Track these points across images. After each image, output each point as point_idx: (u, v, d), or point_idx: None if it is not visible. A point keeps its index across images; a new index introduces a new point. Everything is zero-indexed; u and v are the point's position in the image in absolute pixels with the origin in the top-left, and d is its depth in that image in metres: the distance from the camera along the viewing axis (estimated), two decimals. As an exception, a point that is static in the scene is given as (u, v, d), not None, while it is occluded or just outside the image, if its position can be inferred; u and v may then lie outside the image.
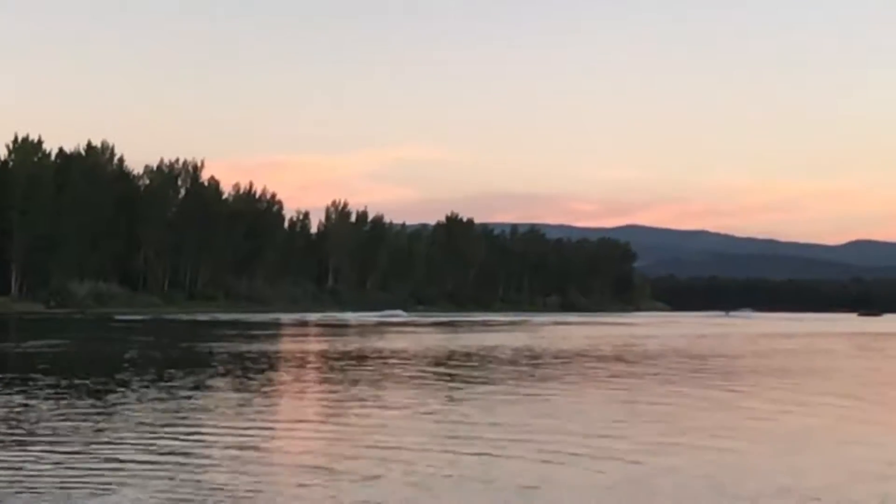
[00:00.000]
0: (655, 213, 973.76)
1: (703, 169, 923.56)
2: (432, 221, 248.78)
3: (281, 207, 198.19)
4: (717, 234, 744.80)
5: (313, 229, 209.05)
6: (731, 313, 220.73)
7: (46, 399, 24.47)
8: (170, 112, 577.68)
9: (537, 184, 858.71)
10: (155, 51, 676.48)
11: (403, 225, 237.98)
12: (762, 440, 19.24)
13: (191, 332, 71.88)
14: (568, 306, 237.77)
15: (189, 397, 25.55)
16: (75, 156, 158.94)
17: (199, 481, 14.01)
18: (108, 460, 15.74)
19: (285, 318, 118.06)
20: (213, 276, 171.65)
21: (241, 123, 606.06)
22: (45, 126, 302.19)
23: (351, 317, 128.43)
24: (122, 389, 27.35)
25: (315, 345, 56.94)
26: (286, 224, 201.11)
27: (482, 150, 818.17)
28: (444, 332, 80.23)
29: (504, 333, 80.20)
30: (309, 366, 40.17)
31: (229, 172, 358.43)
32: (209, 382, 30.24)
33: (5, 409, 22.25)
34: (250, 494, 13.25)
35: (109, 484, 13.68)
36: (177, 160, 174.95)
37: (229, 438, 18.37)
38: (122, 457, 16.06)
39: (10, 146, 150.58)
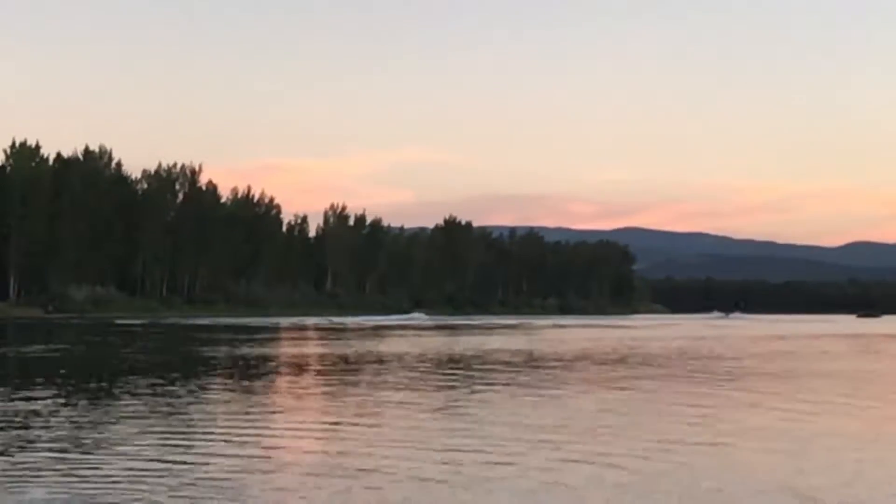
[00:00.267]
0: (653, 216, 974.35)
1: (701, 171, 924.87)
2: (430, 224, 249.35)
3: (279, 211, 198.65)
4: (715, 236, 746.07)
5: (311, 233, 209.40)
6: (731, 315, 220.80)
7: (49, 403, 24.41)
8: (168, 116, 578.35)
9: (535, 186, 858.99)
10: (153, 55, 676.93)
11: (402, 228, 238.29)
12: (767, 441, 19.20)
13: (203, 337, 71.74)
14: (566, 309, 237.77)
15: (197, 401, 25.51)
16: (73, 160, 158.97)
17: (200, 483, 13.96)
18: (112, 464, 15.68)
19: (302, 321, 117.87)
20: (211, 281, 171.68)
21: (239, 127, 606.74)
22: (43, 131, 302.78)
23: (370, 320, 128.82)
24: (125, 394, 27.30)
25: (336, 349, 56.83)
26: (284, 228, 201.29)
27: (480, 152, 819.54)
28: (469, 335, 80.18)
29: (509, 336, 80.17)
30: (320, 369, 40.11)
31: (227, 176, 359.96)
32: (227, 385, 30.18)
33: (10, 414, 22.19)
34: (253, 496, 13.20)
35: (115, 485, 13.63)
36: (175, 164, 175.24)
37: (235, 440, 18.33)
38: (125, 459, 16.01)
39: (8, 151, 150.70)
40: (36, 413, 22.52)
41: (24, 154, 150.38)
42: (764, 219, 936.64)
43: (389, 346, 60.73)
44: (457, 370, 39.18)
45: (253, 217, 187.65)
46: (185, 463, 15.88)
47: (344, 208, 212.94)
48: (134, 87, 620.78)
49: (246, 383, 31.79)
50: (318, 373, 38.05)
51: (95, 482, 14.05)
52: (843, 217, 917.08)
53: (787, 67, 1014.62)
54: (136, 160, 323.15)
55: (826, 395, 29.78)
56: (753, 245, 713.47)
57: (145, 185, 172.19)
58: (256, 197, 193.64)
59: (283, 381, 34.24)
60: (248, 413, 23.21)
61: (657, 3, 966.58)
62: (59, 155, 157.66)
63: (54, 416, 21.90)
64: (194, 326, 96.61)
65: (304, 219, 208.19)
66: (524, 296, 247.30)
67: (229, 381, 32.45)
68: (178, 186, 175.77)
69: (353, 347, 56.75)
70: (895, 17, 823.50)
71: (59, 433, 19.28)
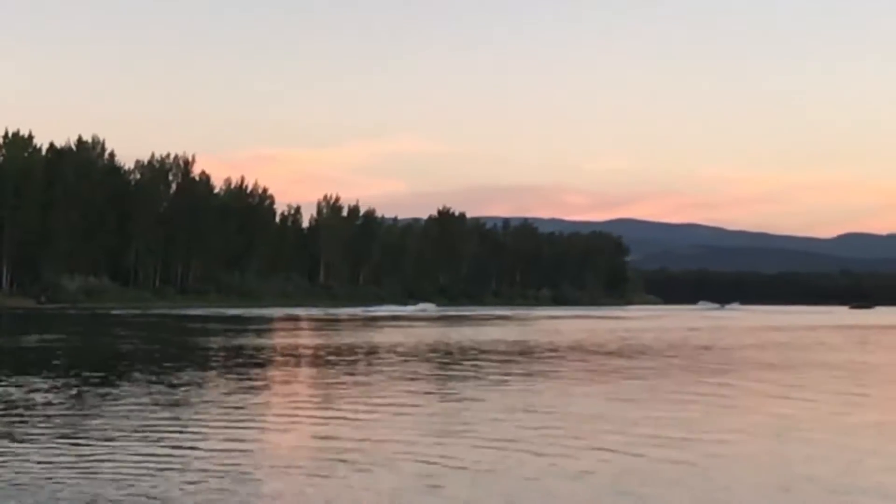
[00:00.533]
0: (647, 207, 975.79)
1: (695, 162, 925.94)
2: (424, 215, 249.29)
3: (272, 202, 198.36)
4: (709, 227, 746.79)
5: (305, 224, 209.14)
6: (727, 306, 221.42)
7: (47, 393, 24.27)
8: (161, 107, 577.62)
9: (529, 177, 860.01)
10: (145, 46, 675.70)
11: (395, 219, 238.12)
12: (763, 432, 19.12)
13: (196, 328, 71.60)
14: (560, 300, 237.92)
15: (197, 392, 25.35)
16: (66, 151, 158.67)
17: (202, 476, 13.84)
18: (113, 455, 15.55)
19: (300, 312, 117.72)
20: (204, 271, 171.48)
21: (232, 118, 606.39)
22: (36, 121, 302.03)
23: (380, 311, 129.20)
24: (123, 384, 27.15)
25: (349, 339, 56.71)
26: (277, 219, 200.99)
27: (474, 143, 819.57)
28: (479, 326, 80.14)
29: (524, 326, 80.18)
30: (336, 360, 39.99)
31: (220, 167, 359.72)
32: (227, 377, 30.04)
33: (8, 404, 22.04)
34: (253, 489, 13.08)
35: (119, 477, 13.50)
36: (168, 155, 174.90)
37: (232, 433, 18.21)
38: (127, 451, 15.89)
39: (1, 141, 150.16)
40: (33, 403, 22.38)
41: (18, 144, 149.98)
42: (757, 210, 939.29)
43: (402, 336, 60.58)
44: (477, 360, 39.16)
45: (246, 208, 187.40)
46: (183, 455, 15.76)
47: (337, 199, 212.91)
48: (127, 79, 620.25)
49: (247, 373, 31.62)
50: (330, 363, 37.89)
51: (95, 471, 13.92)
52: (836, 208, 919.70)
53: (781, 59, 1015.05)
54: (129, 151, 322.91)
55: (825, 386, 29.74)
56: (747, 236, 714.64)
57: (138, 176, 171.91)
58: (250, 188, 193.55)
59: (285, 372, 34.09)
60: (249, 403, 23.09)
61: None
62: (52, 145, 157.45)
63: (51, 407, 21.76)
64: (192, 317, 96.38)
65: (298, 209, 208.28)
66: (518, 287, 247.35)
67: (228, 372, 32.28)
68: (171, 177, 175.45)
69: (370, 337, 56.64)
70: (889, 10, 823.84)
71: (57, 423, 19.14)
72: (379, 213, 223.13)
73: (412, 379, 30.30)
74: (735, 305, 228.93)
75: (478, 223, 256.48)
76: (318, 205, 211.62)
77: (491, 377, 31.43)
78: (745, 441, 17.98)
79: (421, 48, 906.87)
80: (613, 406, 23.32)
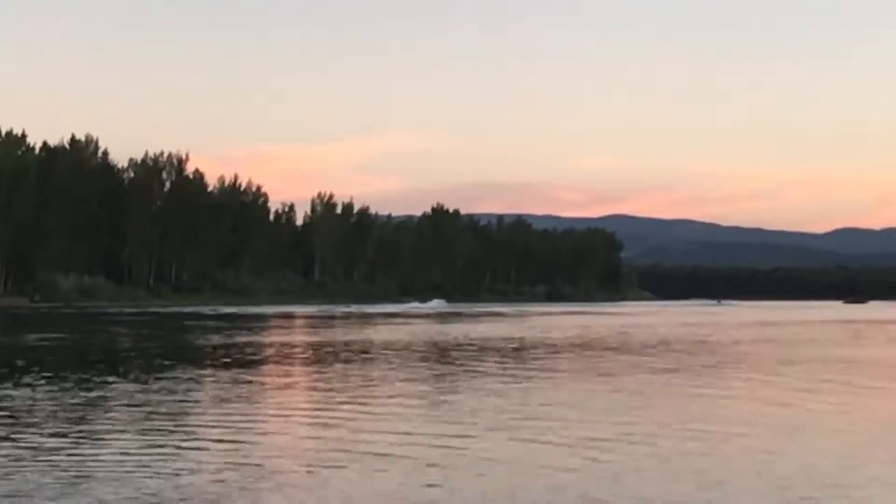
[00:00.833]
0: (641, 203, 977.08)
1: (689, 158, 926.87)
2: (418, 212, 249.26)
3: (266, 199, 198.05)
4: (703, 223, 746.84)
5: (299, 221, 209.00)
6: (724, 302, 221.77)
7: (47, 393, 24.20)
8: (155, 105, 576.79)
9: (523, 174, 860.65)
10: (138, 44, 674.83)
11: (389, 216, 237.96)
12: (762, 426, 19.12)
13: (192, 326, 71.50)
14: (554, 296, 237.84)
15: (201, 390, 25.33)
16: (60, 149, 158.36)
17: (205, 473, 13.81)
18: (118, 453, 15.51)
19: (297, 310, 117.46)
20: (198, 269, 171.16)
21: (226, 116, 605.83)
22: (30, 120, 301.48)
23: (391, 308, 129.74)
24: (122, 382, 27.09)
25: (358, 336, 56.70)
26: (272, 216, 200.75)
27: (468, 140, 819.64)
28: (489, 322, 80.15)
29: (504, 324, 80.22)
30: (344, 358, 39.95)
31: (214, 165, 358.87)
32: (225, 374, 29.98)
33: (8, 403, 21.98)
34: (254, 486, 13.04)
35: (119, 476, 13.45)
36: (161, 153, 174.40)
37: (234, 429, 18.18)
38: (127, 451, 15.85)
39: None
40: (35, 402, 22.32)
41: (11, 143, 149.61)
42: (751, 206, 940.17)
43: (404, 333, 60.58)
44: (486, 356, 39.15)
45: (240, 206, 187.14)
46: (183, 453, 15.73)
47: (331, 196, 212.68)
48: (121, 78, 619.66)
49: (249, 371, 31.56)
50: (338, 361, 37.82)
51: (93, 469, 13.88)
52: (829, 204, 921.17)
53: (773, 56, 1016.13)
54: (122, 149, 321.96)
55: (823, 381, 29.77)
56: (741, 232, 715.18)
57: (132, 174, 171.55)
58: (243, 185, 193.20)
59: (287, 370, 34.03)
60: (252, 400, 23.04)
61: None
62: (45, 144, 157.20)
63: (50, 405, 21.69)
64: (187, 315, 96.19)
65: (292, 207, 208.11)
66: (512, 283, 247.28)
67: (230, 370, 32.21)
68: (164, 175, 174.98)
69: (379, 334, 56.63)
70: (880, 7, 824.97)
71: (57, 422, 19.09)
72: (373, 211, 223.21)
73: (421, 376, 30.27)
74: (730, 301, 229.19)
75: (472, 220, 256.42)
76: (313, 202, 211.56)
77: (499, 374, 31.42)
78: (745, 435, 17.98)
79: (414, 45, 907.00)
80: (615, 402, 23.32)
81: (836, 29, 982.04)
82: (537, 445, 16.61)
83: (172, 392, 24.57)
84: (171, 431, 17.94)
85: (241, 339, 51.78)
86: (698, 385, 27.92)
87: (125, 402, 22.54)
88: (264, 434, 18.01)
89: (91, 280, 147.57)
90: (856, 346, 51.01)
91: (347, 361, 36.34)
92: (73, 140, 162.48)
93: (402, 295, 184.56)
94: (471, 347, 45.60)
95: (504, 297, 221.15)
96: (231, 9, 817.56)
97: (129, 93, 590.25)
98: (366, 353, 41.42)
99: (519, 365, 35.55)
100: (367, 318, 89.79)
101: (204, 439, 17.07)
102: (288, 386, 28.04)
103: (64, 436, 17.31)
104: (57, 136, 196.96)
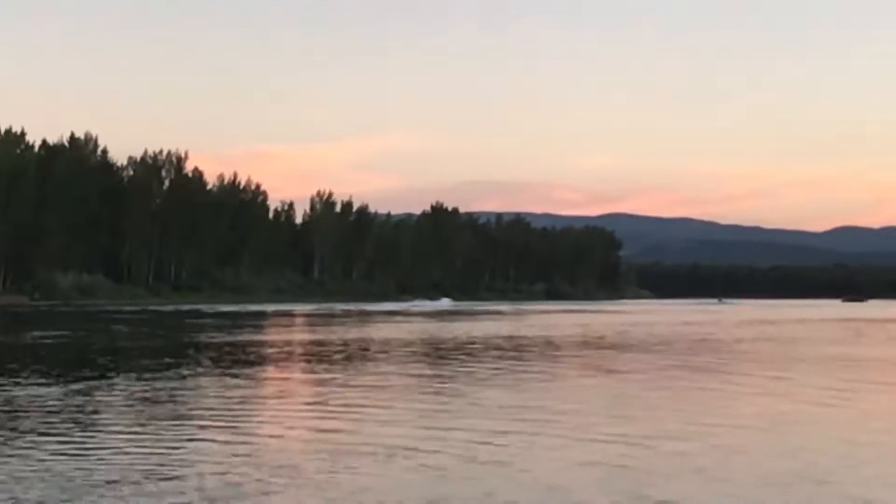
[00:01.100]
0: (640, 201, 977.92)
1: (687, 157, 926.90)
2: (417, 211, 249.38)
3: (265, 198, 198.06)
4: (702, 222, 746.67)
5: (298, 219, 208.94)
6: (724, 300, 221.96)
7: (49, 389, 24.16)
8: (154, 103, 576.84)
9: (522, 173, 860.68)
10: (138, 42, 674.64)
11: (388, 214, 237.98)
12: (761, 425, 19.11)
13: (193, 324, 71.44)
14: (554, 294, 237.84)
15: (200, 387, 25.31)
16: (59, 148, 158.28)
17: (216, 472, 13.79)
18: (118, 453, 15.48)
19: (298, 309, 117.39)
20: (197, 267, 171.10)
21: (225, 114, 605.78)
22: (29, 118, 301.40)
23: (397, 306, 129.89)
24: (123, 380, 27.06)
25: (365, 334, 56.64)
26: (271, 214, 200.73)
27: (467, 139, 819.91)
28: (495, 321, 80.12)
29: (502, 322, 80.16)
30: (349, 355, 39.90)
31: (213, 163, 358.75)
32: (227, 373, 29.94)
33: (9, 402, 21.96)
34: (260, 485, 13.02)
35: (120, 475, 13.43)
36: (160, 151, 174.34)
37: (237, 427, 18.14)
38: (130, 448, 15.83)
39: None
40: (35, 400, 22.28)
41: (9, 141, 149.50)
42: (750, 204, 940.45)
43: (404, 331, 60.55)
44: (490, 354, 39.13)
45: (239, 204, 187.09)
46: (185, 450, 15.70)
47: (330, 195, 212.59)
48: (120, 76, 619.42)
49: (251, 370, 31.53)
50: (340, 358, 37.77)
51: (95, 466, 13.86)
52: (828, 202, 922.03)
53: (772, 56, 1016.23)
54: (121, 147, 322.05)
55: (824, 379, 29.76)
56: (740, 230, 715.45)
57: (131, 172, 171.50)
58: (243, 184, 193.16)
59: (289, 367, 34.00)
60: (256, 398, 23.02)
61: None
62: (44, 142, 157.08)
63: (51, 403, 21.65)
64: (186, 313, 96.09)
65: (291, 205, 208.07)
66: (511, 281, 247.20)
67: (231, 368, 32.17)
68: (164, 173, 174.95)
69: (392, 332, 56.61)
70: (880, 7, 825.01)
71: (56, 421, 19.06)
72: (372, 209, 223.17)
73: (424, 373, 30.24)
74: (729, 300, 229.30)
75: (471, 218, 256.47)
76: (312, 200, 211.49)
77: (502, 372, 31.40)
78: (744, 433, 17.97)
79: (414, 44, 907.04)
80: (615, 400, 23.31)
81: (835, 29, 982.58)
82: (539, 444, 16.58)
83: (174, 390, 24.54)
84: (174, 430, 17.90)
85: (243, 337, 51.75)
86: (699, 384, 27.90)
87: (127, 400, 22.51)
88: (270, 431, 17.96)
89: (90, 278, 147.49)
90: (856, 344, 51.00)
91: (350, 359, 36.30)
92: (72, 138, 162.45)
93: (402, 293, 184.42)
94: (473, 345, 45.58)
95: (503, 296, 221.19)
96: (231, 9, 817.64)
97: (128, 91, 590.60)
98: (368, 350, 41.38)
99: (521, 363, 35.53)
100: (367, 316, 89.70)
101: (206, 438, 17.03)
102: (291, 383, 28.00)
103: (65, 435, 17.27)
104: (56, 134, 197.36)
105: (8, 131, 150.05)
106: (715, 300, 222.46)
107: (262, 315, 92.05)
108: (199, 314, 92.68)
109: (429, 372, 31.46)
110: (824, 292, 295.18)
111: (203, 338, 50.94)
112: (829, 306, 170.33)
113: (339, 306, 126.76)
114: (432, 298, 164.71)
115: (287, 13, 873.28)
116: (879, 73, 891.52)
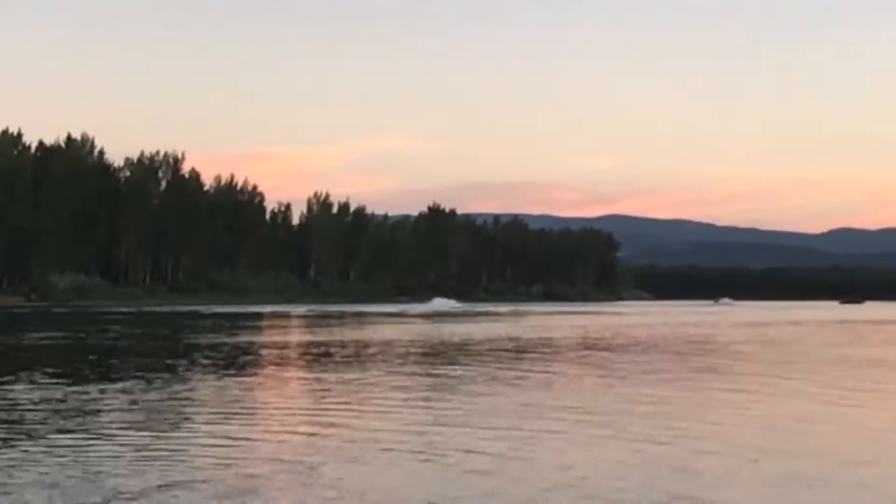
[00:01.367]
0: (637, 203, 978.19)
1: (685, 159, 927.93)
2: (414, 212, 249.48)
3: (262, 199, 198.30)
4: (698, 223, 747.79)
5: (295, 221, 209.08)
6: (721, 301, 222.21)
7: (48, 391, 24.04)
8: (151, 105, 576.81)
9: (519, 174, 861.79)
10: (134, 43, 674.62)
11: (385, 216, 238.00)
12: (762, 426, 19.03)
13: (190, 326, 71.36)
14: (551, 296, 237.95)
15: (198, 388, 25.18)
16: (55, 148, 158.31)
17: (214, 469, 13.67)
18: (119, 452, 15.36)
19: (297, 310, 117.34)
20: (194, 269, 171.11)
21: (222, 115, 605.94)
22: (25, 119, 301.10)
23: (408, 308, 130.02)
24: (122, 380, 26.95)
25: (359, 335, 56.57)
26: (268, 216, 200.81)
27: (464, 140, 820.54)
28: (499, 323, 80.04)
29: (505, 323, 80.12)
30: (351, 357, 39.78)
31: (210, 164, 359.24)
32: (224, 373, 29.82)
33: (9, 402, 21.87)
34: (260, 485, 12.90)
35: (119, 475, 13.31)
36: (157, 152, 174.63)
37: (236, 427, 18.03)
38: (130, 447, 15.72)
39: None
40: (34, 401, 22.17)
41: (6, 142, 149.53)
42: (747, 206, 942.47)
43: (403, 332, 60.49)
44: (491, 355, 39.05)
45: (236, 205, 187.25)
46: (185, 451, 15.59)
47: (327, 196, 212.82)
48: (117, 77, 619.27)
49: (249, 370, 31.42)
50: (338, 360, 37.65)
51: (98, 467, 13.75)
52: (825, 204, 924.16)
53: (770, 57, 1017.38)
54: (118, 149, 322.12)
55: (825, 380, 29.67)
56: (737, 232, 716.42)
57: (128, 173, 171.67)
58: (240, 185, 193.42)
59: (286, 368, 33.86)
60: (254, 399, 22.91)
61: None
62: (41, 143, 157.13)
63: (51, 405, 21.54)
64: (183, 314, 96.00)
65: (288, 207, 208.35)
66: (508, 283, 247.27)
67: (229, 369, 32.06)
68: (160, 174, 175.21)
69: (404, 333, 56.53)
70: (878, 8, 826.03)
71: (56, 420, 18.94)
72: (369, 210, 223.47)
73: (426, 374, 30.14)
74: (726, 301, 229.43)
75: (468, 219, 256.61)
76: (309, 202, 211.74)
77: (502, 373, 31.30)
78: (745, 434, 17.88)
79: (411, 46, 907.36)
80: (616, 400, 23.21)
81: (835, 29, 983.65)
82: (541, 443, 16.49)
83: (172, 391, 24.41)
84: (174, 430, 17.79)
85: (241, 338, 51.63)
86: (699, 384, 27.82)
87: (126, 401, 22.38)
88: (270, 431, 17.85)
89: (87, 279, 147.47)
90: (855, 345, 50.92)
91: (347, 360, 36.18)
92: (69, 139, 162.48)
93: (399, 295, 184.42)
94: (473, 347, 45.48)
95: (500, 297, 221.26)
96: (228, 10, 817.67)
97: (125, 92, 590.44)
98: (369, 351, 41.26)
99: (522, 365, 35.41)
100: (364, 318, 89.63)
101: (207, 438, 16.91)
102: (290, 384, 27.87)
103: (64, 435, 17.16)
104: (53, 135, 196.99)
105: (4, 132, 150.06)
106: (712, 302, 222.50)
107: (259, 316, 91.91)
108: (197, 315, 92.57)
109: (433, 372, 31.32)
110: (822, 294, 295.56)
111: (201, 339, 50.82)
112: (827, 308, 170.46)
113: (335, 308, 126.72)
114: (430, 300, 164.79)
115: (286, 15, 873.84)
116: (879, 73, 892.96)
